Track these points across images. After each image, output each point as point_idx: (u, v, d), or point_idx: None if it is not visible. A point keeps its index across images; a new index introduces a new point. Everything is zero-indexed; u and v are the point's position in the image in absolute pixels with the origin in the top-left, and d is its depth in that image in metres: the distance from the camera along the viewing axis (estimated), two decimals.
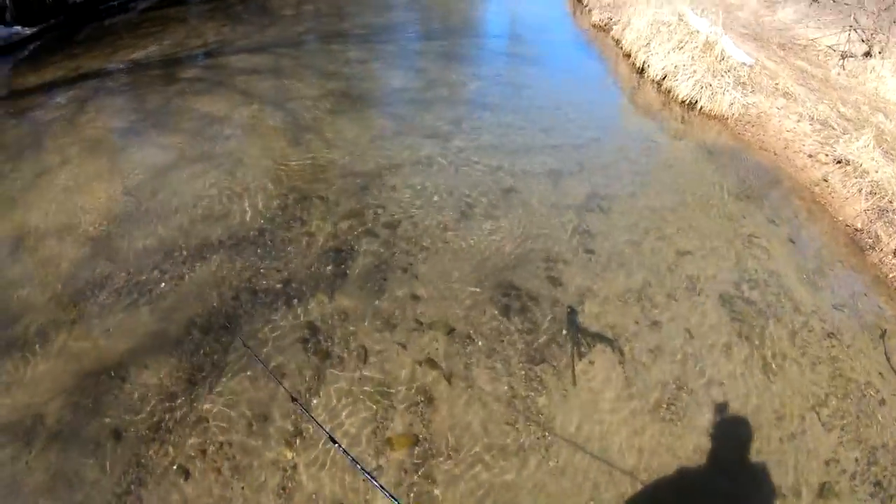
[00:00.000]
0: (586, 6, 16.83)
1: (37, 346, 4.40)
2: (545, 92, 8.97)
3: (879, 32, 13.51)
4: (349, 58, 9.51)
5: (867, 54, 13.60)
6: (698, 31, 10.75)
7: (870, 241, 6.95)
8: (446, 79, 8.95)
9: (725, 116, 9.21)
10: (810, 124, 8.85)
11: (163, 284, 4.92)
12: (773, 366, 4.93)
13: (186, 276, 5.01)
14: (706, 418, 4.38)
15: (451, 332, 4.73)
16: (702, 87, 9.49)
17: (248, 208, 5.85)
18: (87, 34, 11.67)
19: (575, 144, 7.45)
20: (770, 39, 14.02)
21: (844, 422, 4.65)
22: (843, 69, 13.34)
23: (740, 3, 16.73)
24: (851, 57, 13.61)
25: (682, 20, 11.51)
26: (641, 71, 10.79)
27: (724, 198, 6.92)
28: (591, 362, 4.62)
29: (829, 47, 14.21)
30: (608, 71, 11.03)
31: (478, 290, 5.10)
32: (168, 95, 8.07)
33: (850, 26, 13.84)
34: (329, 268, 5.21)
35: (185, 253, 5.23)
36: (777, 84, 10.19)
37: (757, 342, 5.09)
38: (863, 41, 13.74)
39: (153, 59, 9.71)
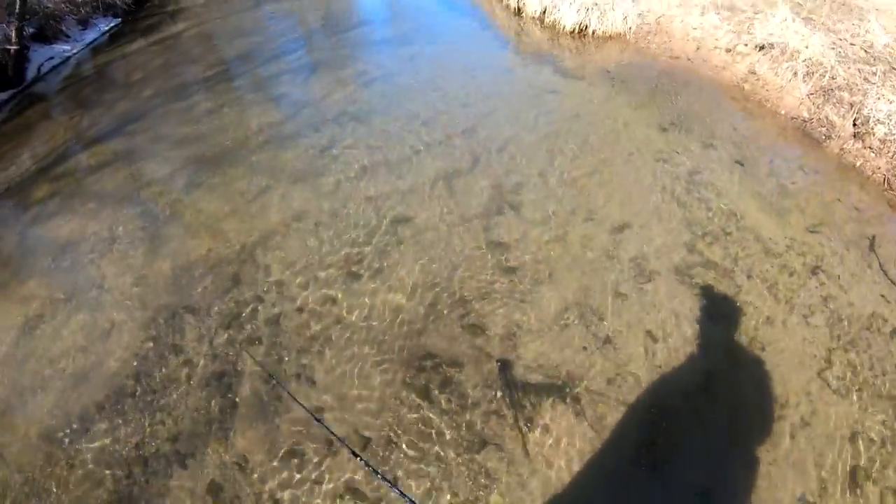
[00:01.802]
0: None
1: None
2: (422, 76, 7.81)
3: None
4: (203, 110, 8.22)
5: None
6: None
7: (823, 129, 6.00)
8: (310, 98, 7.75)
9: (622, 33, 8.21)
10: (717, 14, 7.81)
11: (55, 486, 3.89)
12: (760, 340, 4.08)
13: (76, 465, 4.01)
14: (702, 448, 3.46)
15: (367, 443, 3.72)
16: (587, 10, 8.39)
17: (118, 350, 4.78)
18: None
19: (463, 130, 6.34)
20: None
21: (859, 379, 3.81)
22: None
23: None
24: None
25: None
26: (519, 11, 9.64)
27: (648, 136, 5.91)
28: (544, 426, 3.69)
29: None
30: (485, 23, 9.86)
31: (386, 374, 4.10)
32: (23, 228, 6.90)
33: None
34: (216, 402, 4.18)
35: (68, 434, 4.22)
36: None
37: (734, 317, 4.18)
38: None
39: (7, 184, 8.51)
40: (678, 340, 4.03)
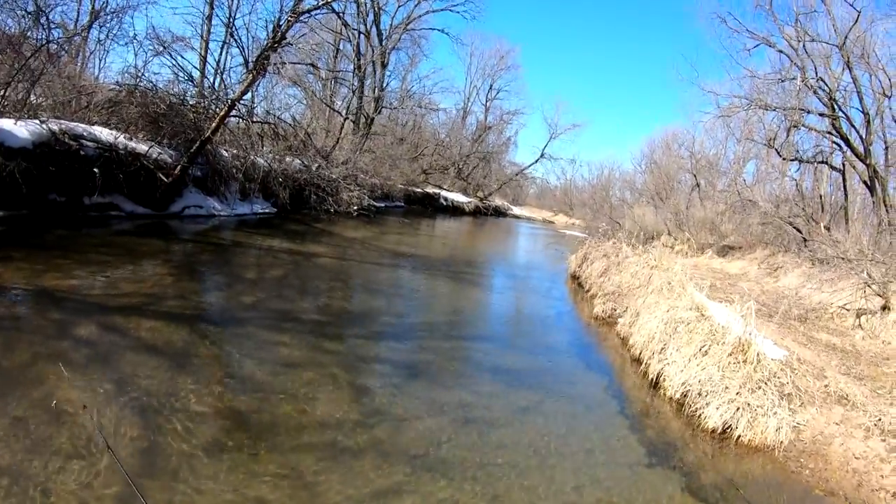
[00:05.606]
0: (588, 292, 16.42)
1: None
2: (531, 442, 6.72)
3: (893, 282, 12.60)
4: (278, 356, 7.77)
5: (885, 308, 12.58)
6: (724, 329, 9.33)
7: None
8: (394, 413, 6.67)
9: (771, 446, 7.52)
10: (882, 440, 7.25)
11: None
12: None
13: None
14: None
15: None
16: (738, 410, 7.85)
17: None
18: (54, 238, 12.23)
19: None
20: (787, 313, 13.11)
21: None
22: (862, 328, 12.22)
23: (741, 273, 16.32)
24: (868, 314, 12.59)
25: (702, 315, 10.17)
26: (655, 384, 9.34)
27: None
28: None
29: (842, 307, 13.29)
30: (611, 389, 9.44)
31: None
32: (42, 350, 6.65)
33: (865, 282, 12.97)
34: None
35: None
36: (826, 385, 8.71)
37: None
38: (878, 295, 12.78)
39: (74, 292, 8.85)
40: None
